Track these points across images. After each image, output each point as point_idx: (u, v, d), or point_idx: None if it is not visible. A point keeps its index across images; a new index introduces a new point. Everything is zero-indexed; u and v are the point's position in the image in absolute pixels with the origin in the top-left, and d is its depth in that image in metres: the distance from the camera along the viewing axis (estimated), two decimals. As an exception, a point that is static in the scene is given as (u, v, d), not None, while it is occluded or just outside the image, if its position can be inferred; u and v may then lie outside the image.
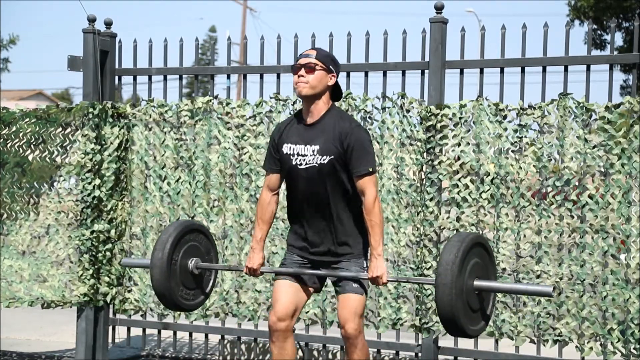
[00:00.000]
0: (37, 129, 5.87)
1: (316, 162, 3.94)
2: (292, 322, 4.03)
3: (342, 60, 4.80)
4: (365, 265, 4.02)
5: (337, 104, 4.20)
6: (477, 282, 3.79)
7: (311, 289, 4.12)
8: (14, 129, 5.93)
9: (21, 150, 5.94)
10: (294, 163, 3.99)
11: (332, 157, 3.93)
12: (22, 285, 5.85)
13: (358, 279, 3.96)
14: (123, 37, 6.16)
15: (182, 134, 5.77)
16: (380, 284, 3.91)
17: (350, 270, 3.99)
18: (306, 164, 3.96)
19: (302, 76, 3.96)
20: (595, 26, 15.01)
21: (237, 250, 5.62)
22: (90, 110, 5.76)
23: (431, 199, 5.15)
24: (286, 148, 4.03)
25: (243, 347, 6.10)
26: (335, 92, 4.09)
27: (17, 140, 5.93)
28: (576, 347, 4.93)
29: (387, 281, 3.90)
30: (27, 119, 5.89)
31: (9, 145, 5.94)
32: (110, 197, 5.81)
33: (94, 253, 5.77)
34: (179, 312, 5.78)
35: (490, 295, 3.93)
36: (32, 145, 5.90)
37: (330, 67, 4.01)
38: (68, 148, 5.84)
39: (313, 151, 3.96)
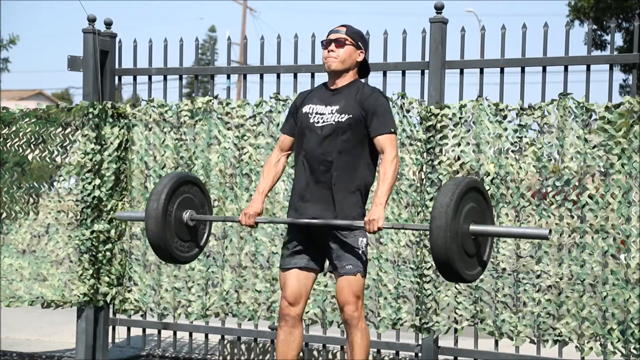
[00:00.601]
0: (37, 128, 5.87)
1: (334, 120, 4.00)
2: (301, 308, 4.05)
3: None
4: (363, 242, 3.98)
5: None
6: (472, 227, 3.72)
7: (314, 274, 4.09)
8: (14, 128, 5.93)
9: (21, 150, 5.94)
10: (311, 121, 4.04)
11: (351, 116, 3.98)
12: (22, 284, 5.86)
13: (353, 226, 3.92)
14: (123, 37, 6.17)
15: (182, 134, 5.77)
16: (374, 228, 3.85)
17: (346, 246, 3.96)
18: (323, 122, 4.02)
19: (332, 51, 4.06)
20: (595, 26, 15.01)
21: (237, 250, 5.62)
22: (90, 110, 5.76)
23: (431, 199, 5.15)
24: (306, 108, 4.10)
25: (243, 347, 6.10)
26: (362, 70, 4.18)
27: (17, 140, 5.93)
28: (576, 347, 4.93)
29: (382, 226, 3.86)
30: (27, 119, 5.89)
31: (8, 145, 5.94)
32: (110, 197, 5.81)
33: (94, 253, 5.77)
34: (179, 312, 5.78)
35: (487, 240, 3.88)
36: (32, 145, 5.90)
37: (359, 43, 4.11)
38: (68, 148, 5.84)
39: (332, 110, 4.03)
